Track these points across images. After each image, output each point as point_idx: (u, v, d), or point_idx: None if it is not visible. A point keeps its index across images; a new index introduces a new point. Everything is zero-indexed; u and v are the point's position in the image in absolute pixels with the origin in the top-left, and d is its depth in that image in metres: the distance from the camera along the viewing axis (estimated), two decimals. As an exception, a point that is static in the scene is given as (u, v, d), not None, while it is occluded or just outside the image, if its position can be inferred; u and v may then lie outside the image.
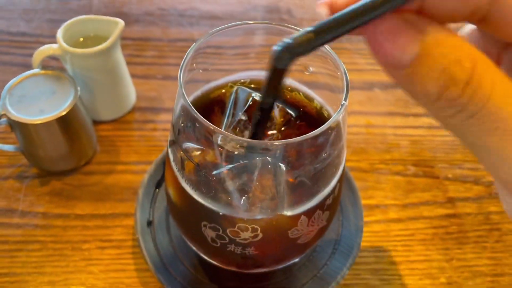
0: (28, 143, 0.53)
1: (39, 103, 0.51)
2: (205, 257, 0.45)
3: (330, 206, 0.41)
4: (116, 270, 0.50)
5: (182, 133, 0.36)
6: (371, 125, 0.65)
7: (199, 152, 0.35)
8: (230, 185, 0.35)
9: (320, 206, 0.39)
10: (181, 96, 0.34)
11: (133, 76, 0.63)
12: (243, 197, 0.36)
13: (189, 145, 0.36)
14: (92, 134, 0.58)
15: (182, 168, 0.37)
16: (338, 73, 0.36)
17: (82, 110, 0.54)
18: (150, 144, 0.61)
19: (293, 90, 0.43)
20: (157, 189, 0.53)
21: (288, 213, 0.37)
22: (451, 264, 0.53)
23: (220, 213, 0.37)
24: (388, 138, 0.63)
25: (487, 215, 0.56)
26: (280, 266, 0.45)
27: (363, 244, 0.50)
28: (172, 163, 0.39)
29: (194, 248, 0.44)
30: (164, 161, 0.53)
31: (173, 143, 0.38)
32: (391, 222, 0.56)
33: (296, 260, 0.46)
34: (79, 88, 0.53)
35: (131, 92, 0.63)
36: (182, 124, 0.36)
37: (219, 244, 0.40)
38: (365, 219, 0.54)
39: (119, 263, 0.51)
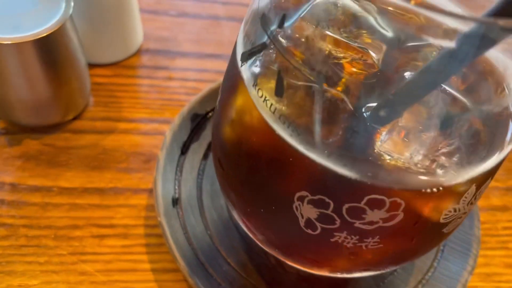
0: (-7, 78, 0.36)
1: (13, 18, 0.34)
2: (274, 253, 0.29)
3: (495, 173, 0.26)
4: (122, 270, 0.34)
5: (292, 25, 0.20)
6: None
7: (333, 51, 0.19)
8: (382, 115, 0.19)
9: (494, 171, 0.24)
10: None
11: (140, 10, 0.46)
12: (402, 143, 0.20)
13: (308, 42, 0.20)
14: (85, 78, 0.41)
15: (277, 94, 0.21)
16: None
17: (74, 38, 0.37)
18: (164, 97, 0.44)
19: None
20: (182, 155, 0.37)
21: (459, 179, 0.22)
22: None
23: (339, 177, 0.21)
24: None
25: None
26: (395, 268, 0.30)
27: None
28: (252, 89, 0.22)
29: (261, 238, 0.28)
30: (192, 116, 0.36)
31: (261, 49, 0.21)
32: (496, 211, 0.41)
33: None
34: (72, 4, 0.36)
35: (137, 28, 0.46)
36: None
37: (318, 231, 0.24)
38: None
39: (127, 260, 0.34)
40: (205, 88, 0.40)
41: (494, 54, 0.22)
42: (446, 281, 0.33)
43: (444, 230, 0.25)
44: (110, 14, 0.42)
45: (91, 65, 0.44)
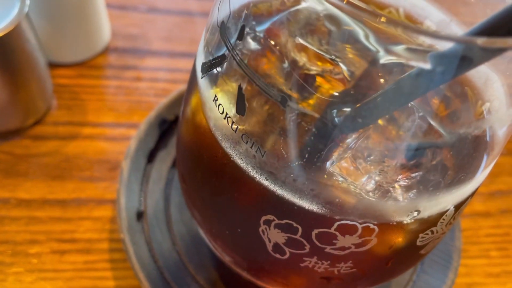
0: None
1: (-40, 18, 0.32)
2: (244, 274, 0.27)
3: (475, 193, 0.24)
4: (85, 287, 0.32)
5: (252, 32, 0.18)
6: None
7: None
8: (348, 139, 0.18)
9: (472, 193, 0.22)
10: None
11: (107, 5, 0.44)
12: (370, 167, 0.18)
13: (270, 57, 0.18)
14: (46, 80, 0.38)
15: (238, 111, 0.19)
16: None
17: (31, 38, 0.35)
18: (132, 99, 0.42)
19: None
20: (149, 163, 0.35)
21: (435, 204, 0.20)
22: None
23: (308, 201, 0.19)
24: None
25: None
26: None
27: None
28: (211, 104, 0.20)
29: (228, 259, 0.26)
30: (160, 121, 0.34)
31: (218, 61, 0.19)
32: (479, 217, 0.40)
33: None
34: (28, 1, 0.33)
35: (104, 25, 0.43)
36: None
37: (287, 256, 0.22)
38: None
39: (89, 277, 0.32)
40: (175, 90, 0.38)
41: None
42: (426, 295, 0.31)
43: (422, 252, 0.23)
44: (72, 10, 0.40)
45: (53, 65, 0.42)
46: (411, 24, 0.13)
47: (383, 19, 0.13)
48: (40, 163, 0.37)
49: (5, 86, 0.35)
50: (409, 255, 0.23)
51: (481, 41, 0.13)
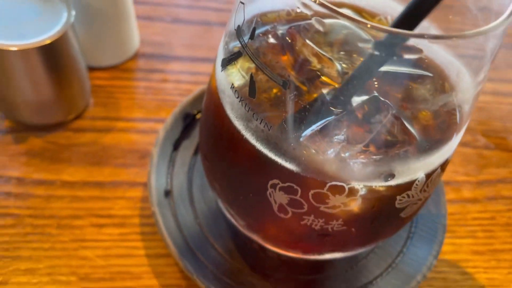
0: (1, 81, 0.39)
1: (19, 27, 0.38)
2: (255, 237, 0.32)
3: (447, 165, 0.29)
4: (120, 255, 0.37)
5: (261, 34, 0.23)
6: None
7: (294, 60, 0.23)
8: (336, 114, 0.23)
9: (443, 163, 0.27)
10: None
11: (137, 17, 0.50)
12: (353, 137, 0.23)
13: (274, 53, 0.23)
14: (85, 81, 0.44)
15: (250, 95, 0.24)
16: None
17: (75, 44, 0.41)
18: (159, 98, 0.47)
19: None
20: (175, 151, 0.40)
21: (402, 170, 0.25)
22: (545, 255, 0.42)
23: (305, 166, 0.24)
24: (449, 103, 0.52)
25: None
26: (361, 250, 0.33)
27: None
28: (229, 91, 0.26)
29: (242, 223, 0.31)
30: (184, 115, 0.40)
31: (235, 56, 0.25)
32: (467, 203, 0.45)
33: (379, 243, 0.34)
34: (73, 13, 0.39)
35: (134, 33, 0.49)
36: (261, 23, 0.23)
37: (289, 215, 0.27)
38: (439, 196, 0.42)
39: (124, 247, 0.38)
40: (196, 90, 0.44)
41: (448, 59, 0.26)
42: (414, 265, 0.36)
43: (402, 215, 0.28)
44: (108, 21, 0.46)
45: (91, 69, 0.48)
46: (361, 20, 0.19)
47: (347, 19, 0.18)
48: (80, 151, 0.43)
49: (52, 85, 0.41)
50: (391, 216, 0.28)
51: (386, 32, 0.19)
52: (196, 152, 0.41)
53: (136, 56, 0.51)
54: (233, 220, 0.33)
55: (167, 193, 0.37)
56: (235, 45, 0.25)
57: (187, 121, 0.41)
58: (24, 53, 0.37)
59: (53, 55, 0.39)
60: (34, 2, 0.39)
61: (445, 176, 0.46)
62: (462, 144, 0.49)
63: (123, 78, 0.49)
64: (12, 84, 0.39)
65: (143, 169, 0.42)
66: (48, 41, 0.38)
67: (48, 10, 0.39)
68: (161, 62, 0.51)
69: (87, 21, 0.45)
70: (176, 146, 0.40)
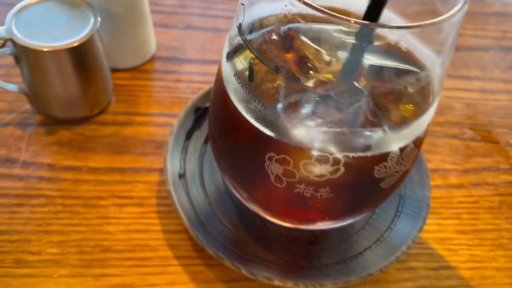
0: (35, 78, 0.45)
1: (52, 30, 0.43)
2: (257, 209, 0.37)
3: (421, 142, 0.33)
4: (139, 230, 0.42)
5: (257, 30, 0.29)
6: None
7: (284, 51, 0.28)
8: (318, 95, 0.28)
9: (416, 140, 0.32)
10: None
11: (154, 24, 0.55)
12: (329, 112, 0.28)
13: (268, 44, 0.28)
14: (109, 79, 0.50)
15: (249, 80, 0.29)
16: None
17: (100, 47, 0.46)
18: (173, 95, 0.53)
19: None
20: (187, 140, 0.45)
21: (378, 142, 0.30)
22: (524, 235, 0.46)
23: (296, 140, 0.29)
24: (440, 100, 0.57)
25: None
26: (348, 221, 0.38)
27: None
28: (232, 79, 0.31)
29: (245, 196, 0.36)
30: (196, 109, 0.45)
31: (237, 49, 0.30)
32: (453, 188, 0.49)
33: (366, 214, 0.39)
34: (99, 19, 0.45)
35: (151, 39, 0.55)
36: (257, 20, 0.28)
37: (284, 184, 0.32)
38: (425, 182, 0.46)
39: (142, 223, 0.43)
40: (207, 87, 0.49)
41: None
42: (400, 238, 0.40)
43: (382, 185, 0.33)
44: (128, 28, 0.51)
45: (113, 70, 0.53)
46: (336, 14, 0.24)
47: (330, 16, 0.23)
48: (104, 142, 0.48)
49: (80, 83, 0.46)
50: (371, 185, 0.32)
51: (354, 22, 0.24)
52: (206, 141, 0.46)
53: (153, 59, 0.56)
54: (237, 194, 0.38)
55: (181, 176, 0.42)
56: (238, 40, 0.30)
57: (198, 113, 0.46)
58: (56, 53, 0.43)
59: (80, 56, 0.44)
60: (65, 10, 0.45)
61: (433, 165, 0.50)
62: (450, 136, 0.53)
63: (142, 79, 0.54)
64: (46, 82, 0.45)
65: (159, 157, 0.47)
66: (76, 43, 0.43)
67: (77, 16, 0.45)
68: (175, 64, 0.56)
69: (110, 28, 0.50)
70: (189, 136, 0.45)
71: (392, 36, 0.27)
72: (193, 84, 0.54)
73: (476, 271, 0.43)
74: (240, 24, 0.30)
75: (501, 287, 0.43)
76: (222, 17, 0.63)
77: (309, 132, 0.29)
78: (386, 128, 0.30)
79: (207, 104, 0.47)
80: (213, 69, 0.56)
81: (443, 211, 0.47)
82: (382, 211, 0.43)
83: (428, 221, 0.45)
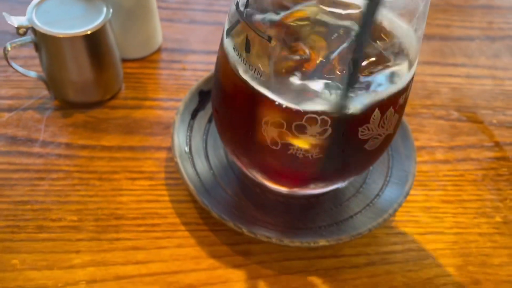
0: (53, 64, 0.49)
1: (68, 20, 0.48)
2: (256, 173, 0.41)
3: (401, 108, 0.37)
4: (149, 200, 0.46)
5: (252, 5, 0.33)
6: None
7: (275, 22, 0.32)
8: (303, 57, 0.32)
9: (394, 102, 0.36)
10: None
11: (160, 19, 0.60)
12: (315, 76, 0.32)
13: (263, 15, 0.32)
14: (119, 67, 0.54)
15: (246, 50, 0.34)
16: None
17: (111, 36, 0.51)
18: (179, 82, 0.57)
19: None
20: (192, 119, 0.49)
21: (361, 104, 0.33)
22: (505, 204, 0.50)
23: (286, 104, 0.33)
24: (428, 85, 0.61)
25: (539, 157, 0.54)
26: (338, 184, 0.42)
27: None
28: (232, 51, 0.35)
29: (245, 161, 0.40)
30: (200, 91, 0.49)
31: (236, 24, 0.34)
32: (439, 163, 0.53)
33: (356, 175, 0.42)
34: (111, 10, 0.49)
35: (158, 32, 0.59)
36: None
37: (279, 146, 0.36)
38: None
39: (152, 194, 0.47)
40: (209, 73, 0.53)
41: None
42: (387, 203, 0.44)
43: (367, 147, 0.37)
44: (137, 22, 0.56)
45: (124, 60, 0.57)
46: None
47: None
48: (115, 123, 0.52)
49: (93, 69, 0.51)
50: (357, 147, 0.36)
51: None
52: (210, 121, 0.50)
53: (159, 50, 0.60)
54: (238, 162, 0.42)
55: (186, 152, 0.46)
56: (235, 16, 0.34)
57: (202, 96, 0.51)
58: (71, 40, 0.47)
59: (94, 43, 0.49)
60: (80, 2, 0.50)
61: (420, 143, 0.54)
62: (437, 117, 0.57)
63: (150, 67, 0.58)
64: (62, 67, 0.49)
65: (166, 137, 0.51)
66: (90, 31, 0.47)
67: (91, 8, 0.49)
68: (181, 55, 0.60)
69: (121, 22, 0.55)
70: (194, 115, 0.49)
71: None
72: (197, 72, 0.58)
73: (460, 236, 0.47)
74: (237, 3, 0.34)
75: (483, 250, 0.46)
76: (223, 12, 0.67)
77: (299, 95, 0.33)
78: (368, 90, 0.33)
79: (208, 89, 0.51)
80: (215, 58, 0.61)
81: (429, 183, 0.51)
82: (372, 182, 0.47)
83: (415, 192, 0.49)
